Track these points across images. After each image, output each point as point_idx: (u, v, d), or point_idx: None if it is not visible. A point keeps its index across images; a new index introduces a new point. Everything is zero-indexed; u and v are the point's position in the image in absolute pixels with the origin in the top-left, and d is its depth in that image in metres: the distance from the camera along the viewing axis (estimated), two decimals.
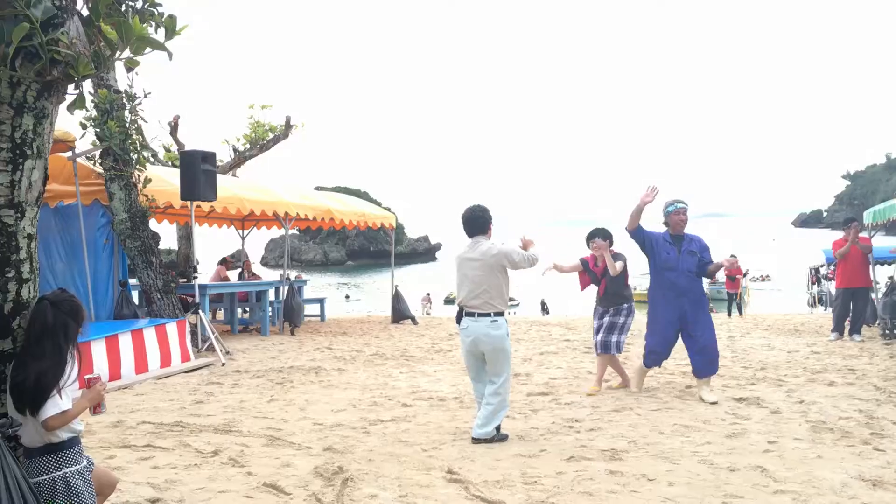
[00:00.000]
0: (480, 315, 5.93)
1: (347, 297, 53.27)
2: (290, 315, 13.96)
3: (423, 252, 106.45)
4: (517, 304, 42.96)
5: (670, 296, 7.40)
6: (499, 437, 5.92)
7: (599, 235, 8.04)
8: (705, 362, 7.35)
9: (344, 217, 15.18)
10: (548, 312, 29.27)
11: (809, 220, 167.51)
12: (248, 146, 21.42)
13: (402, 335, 13.71)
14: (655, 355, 7.58)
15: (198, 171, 10.67)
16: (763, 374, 8.71)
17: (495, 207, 6.57)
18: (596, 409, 7.05)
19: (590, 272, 8.18)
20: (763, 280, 51.59)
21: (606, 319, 8.03)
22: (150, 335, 9.29)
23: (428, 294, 29.27)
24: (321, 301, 17.10)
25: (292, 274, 17.73)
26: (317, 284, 60.70)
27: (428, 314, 23.46)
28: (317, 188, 26.09)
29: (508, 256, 5.98)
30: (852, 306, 11.85)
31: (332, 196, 16.33)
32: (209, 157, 11.02)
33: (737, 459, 5.23)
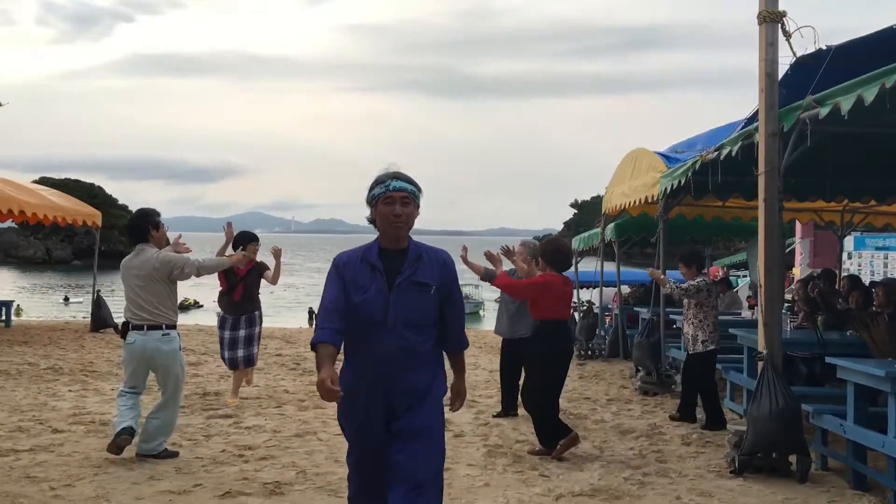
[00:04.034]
0: (150, 328, 5.46)
1: (67, 298, 48.42)
2: None
3: None
4: None
5: (369, 374, 3.40)
6: (166, 453, 5.55)
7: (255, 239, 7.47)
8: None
9: (38, 211, 13.45)
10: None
11: None
12: None
13: (95, 345, 12.31)
14: (365, 495, 3.54)
15: None
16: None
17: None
18: (277, 433, 6.55)
19: (230, 274, 7.38)
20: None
21: (242, 332, 7.53)
22: None
23: None
24: (6, 305, 15.04)
25: None
26: (34, 284, 54.85)
27: None
28: (41, 179, 23.36)
29: (173, 264, 5.50)
30: None
31: (25, 189, 14.37)
32: None
33: None
